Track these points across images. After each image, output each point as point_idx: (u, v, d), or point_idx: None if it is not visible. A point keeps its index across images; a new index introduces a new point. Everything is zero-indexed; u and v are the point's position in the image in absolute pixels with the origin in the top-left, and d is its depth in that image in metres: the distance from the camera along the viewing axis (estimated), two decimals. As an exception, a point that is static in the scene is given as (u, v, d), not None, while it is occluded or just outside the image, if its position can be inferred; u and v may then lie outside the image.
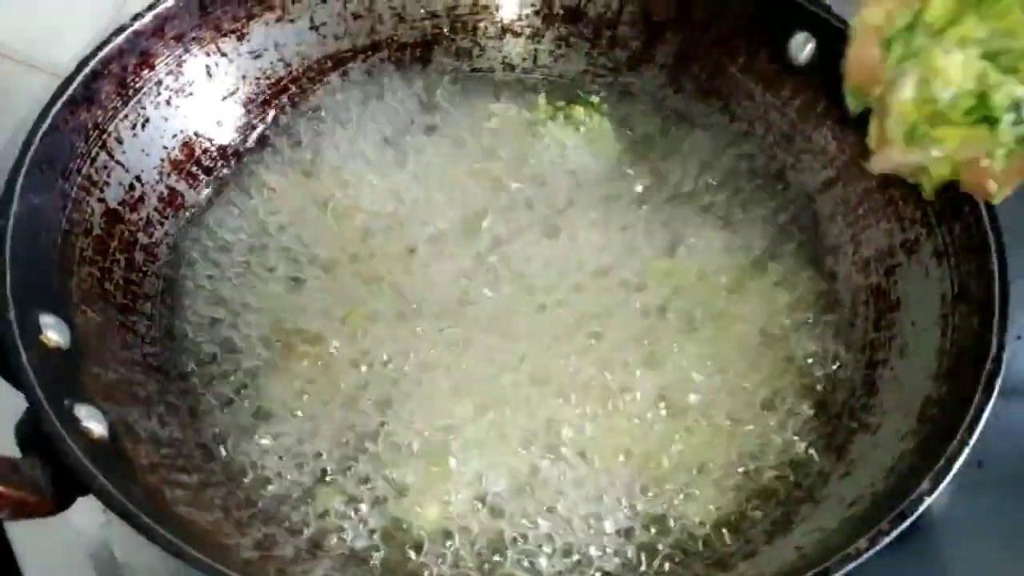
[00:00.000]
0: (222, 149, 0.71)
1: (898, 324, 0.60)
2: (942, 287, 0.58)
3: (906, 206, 0.63)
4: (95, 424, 0.50)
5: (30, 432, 0.48)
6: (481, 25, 0.79)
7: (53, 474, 0.46)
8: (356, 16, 0.75)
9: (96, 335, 0.57)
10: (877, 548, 0.44)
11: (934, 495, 0.45)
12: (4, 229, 0.53)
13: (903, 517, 0.45)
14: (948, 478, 0.46)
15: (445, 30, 0.78)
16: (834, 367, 0.61)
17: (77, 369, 0.53)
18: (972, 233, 0.57)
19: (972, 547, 0.63)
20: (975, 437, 0.48)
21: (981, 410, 0.48)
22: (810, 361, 0.62)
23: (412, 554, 0.54)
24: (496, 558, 0.54)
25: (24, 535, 0.64)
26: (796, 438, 0.58)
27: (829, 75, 0.67)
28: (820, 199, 0.69)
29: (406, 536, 0.55)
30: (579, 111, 0.75)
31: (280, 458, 0.57)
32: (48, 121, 0.59)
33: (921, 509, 0.45)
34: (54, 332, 0.53)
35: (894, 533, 0.44)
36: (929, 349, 0.56)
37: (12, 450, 0.48)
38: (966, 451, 0.47)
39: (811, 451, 0.58)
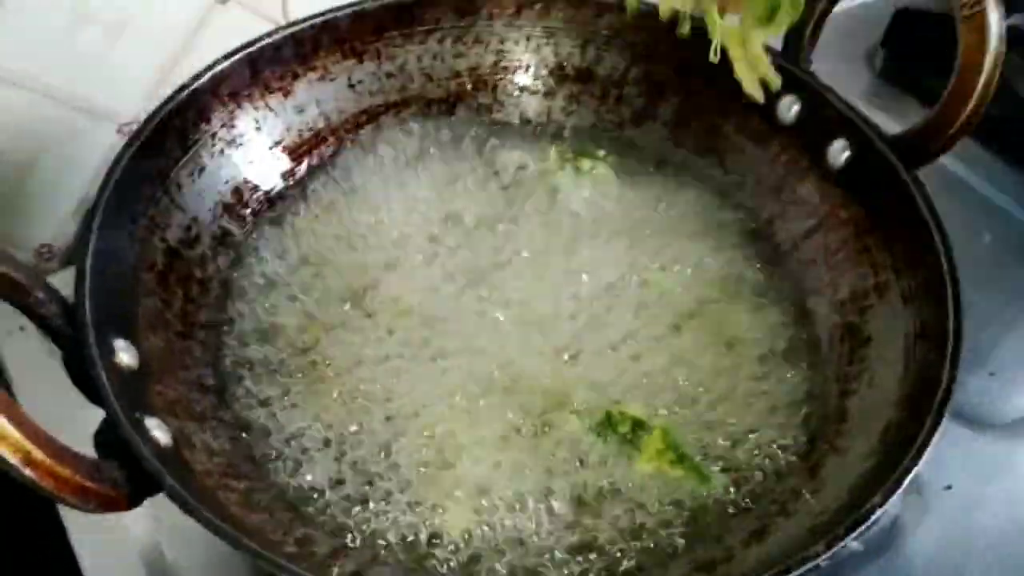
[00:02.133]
0: (267, 192, 0.78)
1: (868, 358, 0.65)
2: (907, 326, 0.63)
3: (879, 253, 0.69)
4: (161, 434, 0.55)
5: (105, 441, 0.53)
6: (501, 84, 0.86)
7: (127, 475, 0.51)
8: (389, 75, 0.83)
9: (159, 358, 0.62)
10: (833, 551, 0.49)
11: (885, 507, 0.51)
12: (84, 266, 0.59)
13: (857, 524, 0.50)
14: (899, 491, 0.52)
15: (468, 88, 0.86)
16: (811, 397, 0.67)
17: (144, 387, 0.58)
18: (932, 280, 0.62)
19: (941, 561, 0.69)
20: (925, 457, 0.53)
21: (931, 433, 0.53)
22: (790, 392, 0.67)
23: (434, 555, 0.59)
24: (508, 554, 0.59)
25: (82, 537, 0.70)
26: (775, 461, 0.64)
27: (813, 133, 0.75)
28: (803, 246, 0.75)
29: (426, 538, 0.60)
30: (587, 162, 0.82)
31: (316, 470, 0.63)
32: (120, 170, 0.64)
33: (874, 518, 0.50)
34: (125, 354, 0.58)
35: (848, 538, 0.49)
36: (893, 380, 0.61)
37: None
38: (915, 469, 0.52)
39: (788, 472, 0.63)
